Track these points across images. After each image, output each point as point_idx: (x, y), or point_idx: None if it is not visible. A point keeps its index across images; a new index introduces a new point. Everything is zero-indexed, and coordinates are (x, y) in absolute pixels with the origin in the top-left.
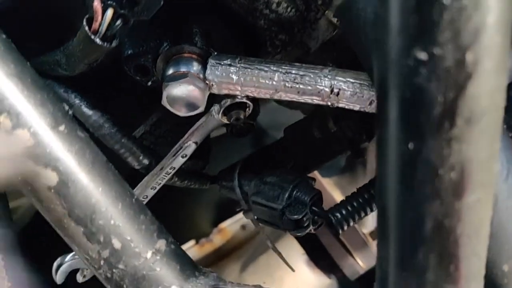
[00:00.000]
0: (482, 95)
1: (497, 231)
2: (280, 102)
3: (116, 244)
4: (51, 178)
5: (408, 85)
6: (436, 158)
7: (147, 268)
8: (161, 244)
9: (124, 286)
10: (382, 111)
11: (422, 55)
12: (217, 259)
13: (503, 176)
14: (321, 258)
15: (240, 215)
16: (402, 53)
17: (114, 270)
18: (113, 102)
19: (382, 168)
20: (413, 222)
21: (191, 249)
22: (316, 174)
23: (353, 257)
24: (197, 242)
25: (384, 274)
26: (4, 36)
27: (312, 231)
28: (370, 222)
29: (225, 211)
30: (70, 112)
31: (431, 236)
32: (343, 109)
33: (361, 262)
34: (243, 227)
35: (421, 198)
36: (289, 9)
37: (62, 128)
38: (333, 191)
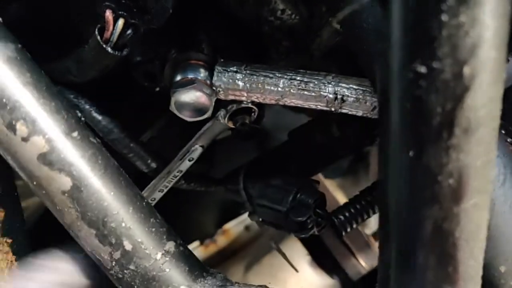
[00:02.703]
0: (479, 107)
1: (494, 234)
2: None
3: (127, 246)
4: (65, 182)
5: (409, 97)
6: (435, 165)
7: (157, 269)
8: (170, 246)
9: (135, 286)
10: (384, 119)
11: (422, 69)
12: (221, 259)
13: (500, 181)
14: (324, 259)
15: (244, 216)
16: (402, 66)
17: (125, 271)
18: (122, 107)
19: (383, 174)
20: (414, 226)
21: (196, 249)
22: (319, 176)
23: (356, 258)
24: (201, 243)
25: (385, 275)
26: (19, 46)
27: (316, 232)
28: (372, 223)
29: (229, 213)
30: (83, 119)
31: (430, 239)
32: (346, 114)
33: (363, 263)
34: (247, 228)
35: (421, 202)
36: (293, 16)
37: (75, 134)
38: (336, 193)
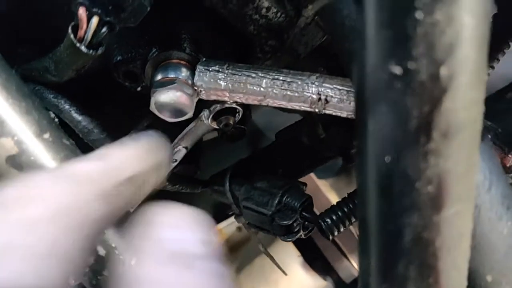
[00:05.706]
0: (458, 109)
1: (480, 242)
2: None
3: (101, 251)
4: None
5: (384, 99)
6: (413, 171)
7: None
8: None
9: None
10: (360, 123)
11: (397, 69)
12: None
13: (485, 187)
14: (316, 261)
15: None
16: (377, 66)
17: (98, 277)
18: (103, 108)
19: (361, 180)
20: (393, 234)
21: None
22: (312, 176)
23: (348, 259)
24: None
25: (365, 286)
26: None
27: (303, 236)
28: None
29: (221, 213)
30: (56, 120)
31: (410, 248)
32: (332, 115)
33: (356, 265)
34: (239, 228)
35: (399, 210)
36: (278, 14)
37: (47, 136)
38: (329, 193)
